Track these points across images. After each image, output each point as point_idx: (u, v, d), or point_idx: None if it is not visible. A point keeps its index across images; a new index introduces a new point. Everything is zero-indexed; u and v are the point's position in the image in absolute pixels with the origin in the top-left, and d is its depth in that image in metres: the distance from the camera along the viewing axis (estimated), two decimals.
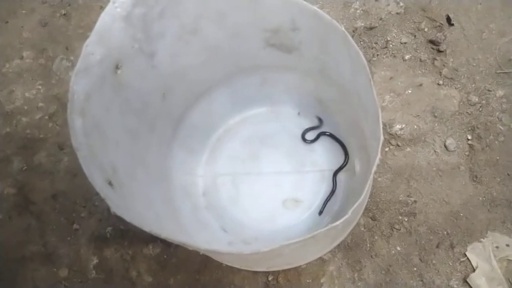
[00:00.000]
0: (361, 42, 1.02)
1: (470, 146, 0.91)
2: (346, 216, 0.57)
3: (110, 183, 0.58)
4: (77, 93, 0.59)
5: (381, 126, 0.62)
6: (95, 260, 0.90)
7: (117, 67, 0.67)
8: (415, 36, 1.01)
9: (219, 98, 0.95)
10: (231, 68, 0.90)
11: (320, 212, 0.86)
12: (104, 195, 0.52)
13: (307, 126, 0.96)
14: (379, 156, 0.59)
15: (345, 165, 0.90)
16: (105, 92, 0.65)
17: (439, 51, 0.98)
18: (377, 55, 1.01)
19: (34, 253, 0.94)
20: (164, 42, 0.72)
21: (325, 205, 0.87)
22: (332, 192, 0.88)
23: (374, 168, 0.59)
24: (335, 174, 0.89)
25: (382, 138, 0.61)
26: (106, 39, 0.62)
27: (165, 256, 0.89)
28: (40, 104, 1.12)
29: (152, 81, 0.76)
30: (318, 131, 0.95)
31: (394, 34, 1.02)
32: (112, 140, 0.67)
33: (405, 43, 1.00)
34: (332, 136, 0.93)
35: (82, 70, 0.60)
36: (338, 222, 0.56)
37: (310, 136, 0.95)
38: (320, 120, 0.95)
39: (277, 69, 0.90)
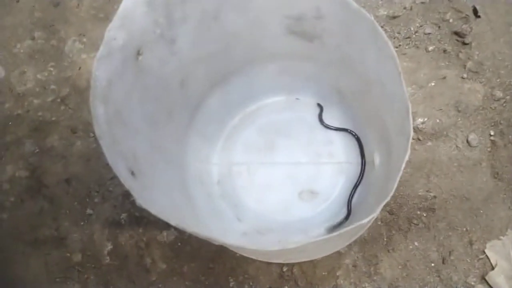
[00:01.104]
0: (384, 32, 0.99)
1: (493, 142, 0.89)
2: (374, 214, 0.56)
3: (132, 173, 0.57)
4: (100, 80, 0.57)
5: (411, 121, 0.60)
6: (109, 246, 0.89)
7: (138, 53, 0.65)
8: (439, 27, 0.98)
9: (236, 86, 0.93)
10: (250, 56, 0.88)
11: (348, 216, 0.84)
12: (128, 186, 0.51)
13: (326, 117, 0.94)
14: (408, 152, 0.58)
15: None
16: (126, 78, 0.63)
17: (464, 43, 0.95)
18: (400, 45, 0.98)
19: (46, 237, 0.94)
20: (186, 28, 0.70)
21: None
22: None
23: (403, 165, 0.57)
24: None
25: (412, 133, 0.60)
26: (128, 24, 0.60)
27: (179, 244, 0.89)
28: (52, 87, 1.11)
29: (172, 67, 0.74)
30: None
31: (417, 24, 0.99)
32: (132, 127, 0.65)
33: (429, 34, 0.97)
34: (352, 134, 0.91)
35: (104, 55, 0.58)
36: (366, 220, 0.55)
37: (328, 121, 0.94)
38: (320, 107, 0.94)
39: (297, 57, 0.88)
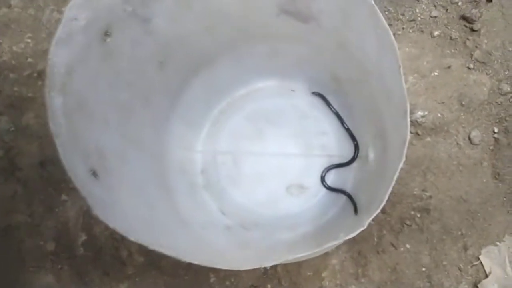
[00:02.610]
0: (386, 12, 0.91)
1: (496, 140, 0.83)
2: (362, 229, 0.50)
3: (94, 173, 0.51)
4: (57, 66, 0.50)
5: (408, 123, 0.54)
6: (84, 237, 0.85)
7: (106, 34, 0.58)
8: (447, 10, 0.89)
9: (223, 68, 0.86)
10: (238, 36, 0.80)
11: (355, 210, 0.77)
12: (86, 193, 0.45)
13: (319, 105, 0.88)
14: (403, 159, 0.52)
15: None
16: (91, 63, 0.56)
17: (472, 30, 0.87)
18: (403, 28, 0.90)
19: (20, 223, 0.89)
20: (162, 5, 0.63)
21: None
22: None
23: (397, 174, 0.51)
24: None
25: (408, 137, 0.54)
26: (92, 1, 0.52)
27: None
28: (29, 60, 1.03)
29: (148, 49, 0.67)
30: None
31: (424, 6, 0.90)
32: (100, 118, 0.59)
33: (435, 17, 0.89)
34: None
35: (63, 38, 0.51)
36: (352, 235, 0.50)
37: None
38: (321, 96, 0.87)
39: (290, 39, 0.81)
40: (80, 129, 0.53)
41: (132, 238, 0.43)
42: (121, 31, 0.60)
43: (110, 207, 0.47)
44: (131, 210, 0.53)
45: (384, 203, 0.49)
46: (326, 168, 0.83)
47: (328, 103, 0.87)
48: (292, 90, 0.90)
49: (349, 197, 0.79)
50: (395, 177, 0.51)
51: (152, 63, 0.70)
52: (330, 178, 0.84)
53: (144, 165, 0.69)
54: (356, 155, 0.83)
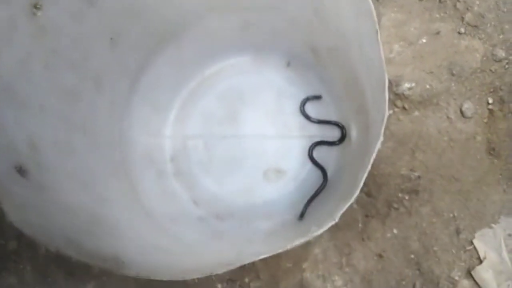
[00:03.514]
0: None
1: (490, 111, 0.75)
2: (332, 223, 0.44)
3: (21, 171, 0.43)
4: None
5: (386, 97, 0.47)
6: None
7: (35, 7, 0.50)
8: None
9: (189, 43, 0.78)
10: (203, 6, 0.72)
11: (301, 215, 0.72)
12: (1, 195, 0.38)
13: (298, 81, 0.80)
14: (380, 139, 0.45)
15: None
16: (18, 42, 0.48)
17: None
18: None
19: None
20: None
21: (307, 207, 0.72)
22: (322, 187, 0.74)
23: (373, 157, 0.44)
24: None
25: (387, 113, 0.46)
26: None
27: None
28: None
29: (93, 23, 0.59)
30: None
31: None
32: (33, 105, 0.51)
33: None
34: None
35: None
36: (322, 230, 0.43)
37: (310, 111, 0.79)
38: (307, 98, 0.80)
39: (262, 9, 0.73)
40: (6, 120, 0.46)
41: (52, 248, 0.36)
42: (55, 3, 0.52)
43: (34, 211, 0.40)
44: (68, 210, 0.46)
45: (357, 192, 0.42)
46: (314, 143, 0.77)
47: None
48: (288, 64, 0.82)
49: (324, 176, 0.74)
50: (371, 160, 0.44)
51: (100, 40, 0.62)
52: (310, 162, 0.77)
53: (97, 155, 0.62)
54: (344, 133, 0.75)
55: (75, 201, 0.48)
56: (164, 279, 0.35)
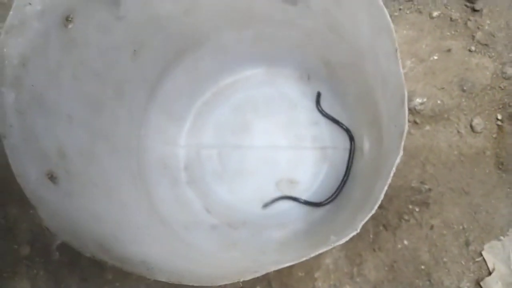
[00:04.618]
0: None
1: (499, 127, 0.77)
2: (354, 233, 0.45)
3: (51, 177, 0.45)
4: (9, 58, 0.44)
5: (406, 113, 0.48)
6: (60, 240, 0.79)
7: (67, 20, 0.51)
8: None
9: (206, 56, 0.80)
10: (220, 20, 0.74)
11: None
12: (36, 202, 0.39)
13: (311, 93, 0.82)
14: (400, 154, 0.47)
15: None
16: (50, 53, 0.50)
17: (474, 10, 0.81)
18: (400, 9, 0.84)
19: None
20: None
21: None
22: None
23: (393, 170, 0.46)
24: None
25: (406, 128, 0.48)
26: None
27: None
28: None
29: (118, 36, 0.61)
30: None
31: None
32: (63, 114, 0.53)
33: None
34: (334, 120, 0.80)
35: (16, 25, 0.45)
36: (343, 240, 0.44)
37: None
38: (318, 93, 0.81)
39: (278, 23, 0.75)
40: (37, 128, 0.47)
41: (88, 254, 0.37)
42: (85, 17, 0.54)
43: (66, 217, 0.41)
44: (96, 216, 0.48)
45: (379, 202, 0.44)
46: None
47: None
48: (308, 78, 0.84)
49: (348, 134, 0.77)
50: (391, 174, 0.45)
51: (124, 52, 0.64)
52: (323, 173, 0.78)
53: (118, 163, 0.63)
54: (353, 145, 0.77)
55: (101, 208, 0.50)
56: (195, 284, 0.37)
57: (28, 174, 0.41)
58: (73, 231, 0.39)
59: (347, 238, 0.44)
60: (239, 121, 0.84)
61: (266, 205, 0.76)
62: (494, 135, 0.77)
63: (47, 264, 0.79)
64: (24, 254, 0.80)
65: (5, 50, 0.44)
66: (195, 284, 0.36)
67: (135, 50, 0.66)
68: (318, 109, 0.80)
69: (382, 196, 0.44)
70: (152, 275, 0.38)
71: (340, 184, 0.75)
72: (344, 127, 0.78)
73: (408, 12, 0.83)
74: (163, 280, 0.37)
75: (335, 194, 0.74)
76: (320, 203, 0.74)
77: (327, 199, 0.74)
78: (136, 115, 0.73)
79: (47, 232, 0.39)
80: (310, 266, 0.74)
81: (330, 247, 0.44)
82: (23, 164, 0.41)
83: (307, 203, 0.76)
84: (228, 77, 0.86)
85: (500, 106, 0.78)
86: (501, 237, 0.72)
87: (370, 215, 0.44)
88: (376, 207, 0.44)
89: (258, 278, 0.76)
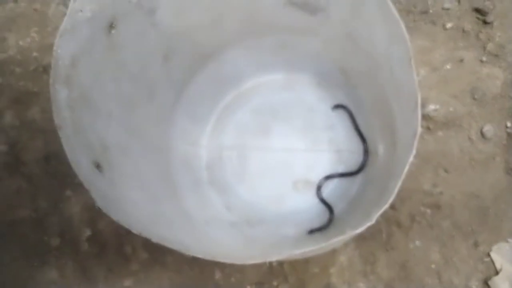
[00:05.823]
0: (398, 4, 0.89)
1: (509, 134, 0.80)
2: (369, 223, 0.49)
3: (97, 166, 0.50)
4: (62, 58, 0.49)
5: (419, 116, 0.52)
6: (88, 232, 0.84)
7: (111, 26, 0.57)
8: (459, 1, 0.87)
9: (229, 62, 0.85)
10: (244, 28, 0.79)
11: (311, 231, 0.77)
12: (88, 185, 0.44)
13: (327, 99, 0.86)
14: (413, 153, 0.50)
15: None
16: (96, 55, 0.55)
17: (485, 22, 0.85)
18: (414, 20, 0.88)
19: (24, 218, 0.88)
20: None
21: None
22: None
23: (407, 168, 0.50)
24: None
25: (419, 131, 0.52)
26: None
27: None
28: (35, 54, 1.02)
29: (152, 41, 0.66)
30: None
31: None
32: (104, 111, 0.58)
33: (448, 9, 0.87)
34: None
35: (68, 30, 0.50)
36: (359, 230, 0.48)
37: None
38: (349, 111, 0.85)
39: (298, 32, 0.79)
40: (84, 122, 0.52)
41: (135, 231, 0.41)
42: (125, 23, 0.59)
43: (113, 201, 0.46)
44: (134, 204, 0.52)
45: (393, 197, 0.48)
46: (324, 178, 0.81)
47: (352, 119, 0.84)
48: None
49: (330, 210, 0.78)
50: (405, 171, 0.49)
51: (156, 56, 0.69)
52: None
53: (148, 159, 0.68)
54: (364, 163, 0.80)
55: (139, 198, 0.54)
56: (227, 261, 0.41)
57: (80, 162, 0.46)
58: (122, 212, 0.44)
59: (363, 228, 0.47)
60: (258, 124, 0.88)
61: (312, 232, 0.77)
62: (504, 142, 0.80)
63: (75, 255, 0.84)
64: (53, 245, 0.85)
65: (59, 51, 0.49)
66: (230, 262, 0.40)
67: (165, 55, 0.71)
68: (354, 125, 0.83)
69: (396, 190, 0.48)
70: (188, 252, 0.42)
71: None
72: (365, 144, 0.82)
73: (423, 23, 0.88)
74: (199, 256, 0.41)
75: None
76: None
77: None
78: (165, 115, 0.77)
79: (98, 210, 0.44)
80: (325, 263, 0.78)
81: (346, 237, 0.47)
82: (76, 152, 0.46)
83: (343, 175, 0.80)
84: (248, 82, 0.90)
85: (510, 114, 0.81)
86: (509, 239, 0.75)
87: (385, 207, 0.47)
88: (390, 200, 0.47)
89: (274, 273, 0.80)
